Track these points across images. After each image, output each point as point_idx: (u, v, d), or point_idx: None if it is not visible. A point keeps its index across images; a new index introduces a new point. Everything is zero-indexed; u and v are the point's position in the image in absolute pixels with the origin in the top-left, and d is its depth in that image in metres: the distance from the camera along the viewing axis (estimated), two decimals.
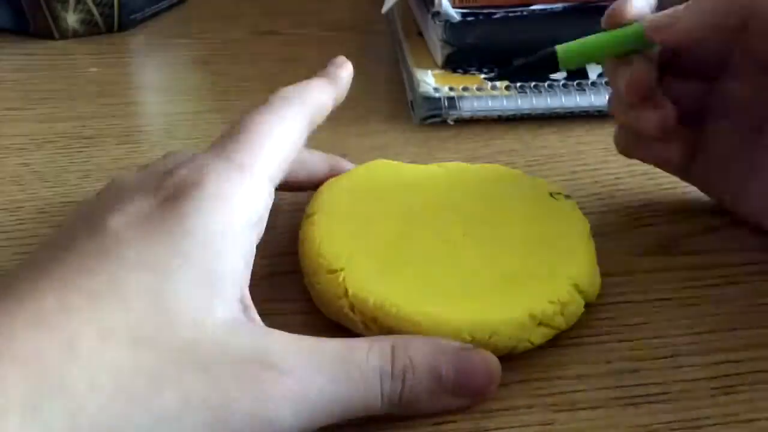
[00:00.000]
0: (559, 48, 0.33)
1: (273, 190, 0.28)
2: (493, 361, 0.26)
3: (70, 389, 0.21)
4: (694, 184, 0.35)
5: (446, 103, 0.43)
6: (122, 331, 0.22)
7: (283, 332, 0.25)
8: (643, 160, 0.35)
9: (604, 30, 0.32)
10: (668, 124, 0.32)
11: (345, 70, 0.33)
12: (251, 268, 0.26)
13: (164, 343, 0.22)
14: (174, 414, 0.21)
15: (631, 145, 0.35)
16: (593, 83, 0.44)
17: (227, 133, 0.29)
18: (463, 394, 0.25)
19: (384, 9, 0.50)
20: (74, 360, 0.21)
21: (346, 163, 0.35)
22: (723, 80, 0.33)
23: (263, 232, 0.27)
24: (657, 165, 0.35)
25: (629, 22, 0.31)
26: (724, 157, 0.33)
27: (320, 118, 0.32)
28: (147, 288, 0.23)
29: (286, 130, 0.29)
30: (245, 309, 0.25)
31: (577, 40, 0.33)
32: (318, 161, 0.34)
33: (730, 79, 0.33)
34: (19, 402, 0.20)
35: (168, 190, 0.26)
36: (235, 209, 0.26)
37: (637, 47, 0.32)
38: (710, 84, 0.33)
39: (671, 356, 0.28)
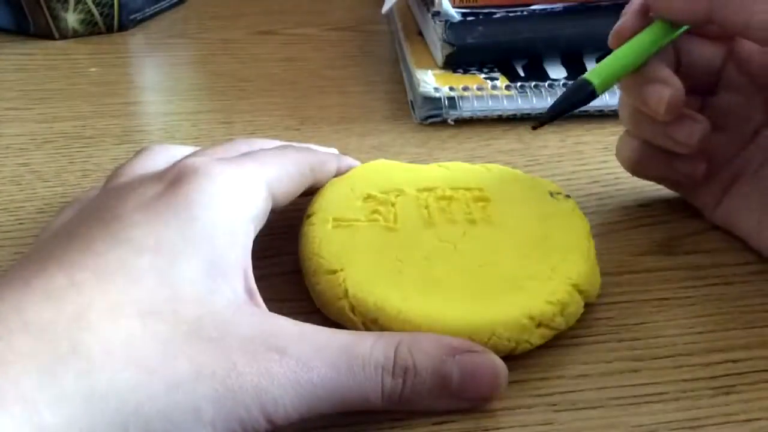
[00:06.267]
0: (590, 74, 0.31)
1: (269, 196, 0.28)
2: (501, 367, 0.26)
3: (84, 355, 0.21)
4: (697, 202, 0.35)
5: (446, 103, 0.43)
6: (131, 306, 0.22)
7: (288, 318, 0.25)
8: (662, 178, 0.35)
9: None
10: (707, 137, 0.32)
11: (354, 161, 0.35)
12: (251, 259, 0.27)
13: (172, 317, 0.23)
14: (186, 383, 0.22)
15: (649, 161, 0.34)
16: None
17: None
18: (466, 398, 0.25)
19: (384, 9, 0.50)
20: (85, 329, 0.21)
21: (352, 161, 0.35)
22: (717, 94, 0.33)
23: (260, 227, 0.28)
24: (672, 184, 0.35)
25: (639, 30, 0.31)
26: (715, 168, 0.34)
27: (321, 169, 0.32)
28: (154, 269, 0.23)
29: (287, 158, 0.31)
30: (251, 296, 0.25)
31: (601, 62, 0.31)
32: (327, 170, 0.34)
33: (724, 92, 0.33)
34: (33, 367, 0.20)
35: (173, 175, 0.27)
36: (238, 200, 0.27)
37: (663, 43, 0.31)
38: (703, 99, 0.33)
39: (671, 356, 0.28)
